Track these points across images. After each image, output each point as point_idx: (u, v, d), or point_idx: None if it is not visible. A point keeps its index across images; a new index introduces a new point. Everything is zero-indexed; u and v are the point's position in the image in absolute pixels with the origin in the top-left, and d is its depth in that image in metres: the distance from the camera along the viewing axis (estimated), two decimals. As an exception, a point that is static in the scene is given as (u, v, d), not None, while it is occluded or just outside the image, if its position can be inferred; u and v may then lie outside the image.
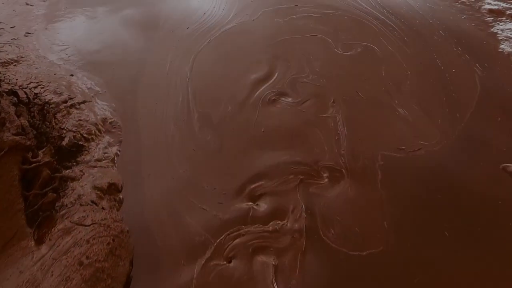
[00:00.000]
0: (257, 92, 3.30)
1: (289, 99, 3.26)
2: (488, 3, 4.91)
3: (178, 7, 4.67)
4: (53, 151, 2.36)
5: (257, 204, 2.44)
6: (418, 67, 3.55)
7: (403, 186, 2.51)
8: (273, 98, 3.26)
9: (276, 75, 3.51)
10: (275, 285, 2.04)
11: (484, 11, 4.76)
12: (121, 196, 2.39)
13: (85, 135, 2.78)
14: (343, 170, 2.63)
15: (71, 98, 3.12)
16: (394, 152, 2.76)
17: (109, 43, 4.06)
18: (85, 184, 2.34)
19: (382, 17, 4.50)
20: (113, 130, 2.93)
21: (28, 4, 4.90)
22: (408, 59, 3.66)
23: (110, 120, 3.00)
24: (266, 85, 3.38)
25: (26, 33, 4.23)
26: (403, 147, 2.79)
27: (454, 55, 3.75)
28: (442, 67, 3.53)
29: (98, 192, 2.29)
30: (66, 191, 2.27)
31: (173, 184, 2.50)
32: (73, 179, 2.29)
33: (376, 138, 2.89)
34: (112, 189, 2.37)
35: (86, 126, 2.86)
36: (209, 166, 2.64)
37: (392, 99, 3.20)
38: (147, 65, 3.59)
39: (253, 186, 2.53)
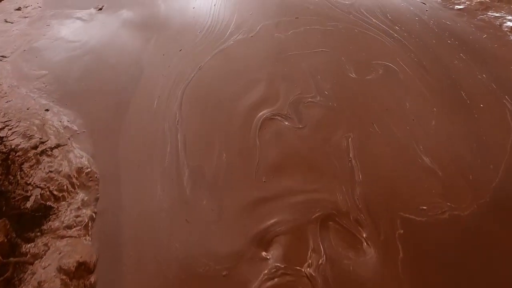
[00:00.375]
0: (253, 125, 2.89)
1: (292, 126, 2.88)
2: (510, 20, 4.47)
3: (173, 24, 4.25)
4: (8, 226, 1.95)
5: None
6: (442, 101, 3.09)
7: (428, 268, 2.05)
8: (273, 131, 2.84)
9: (277, 102, 3.09)
10: None
11: (506, 29, 4.31)
12: (92, 280, 1.97)
13: (55, 192, 2.37)
14: (357, 235, 2.22)
15: (42, 142, 2.71)
16: (414, 214, 2.31)
17: (93, 69, 3.64)
18: (49, 265, 1.93)
19: (396, 35, 4.07)
20: (89, 183, 2.52)
21: (7, 21, 4.47)
22: (431, 90, 3.21)
23: (86, 170, 2.59)
24: (264, 115, 2.96)
25: (1, 56, 3.81)
26: (425, 207, 2.35)
27: (480, 85, 3.31)
28: (468, 102, 3.10)
29: (64, 277, 1.88)
30: (23, 276, 1.86)
31: (161, 272, 2.03)
32: (32, 262, 1.88)
33: (394, 191, 2.46)
34: (81, 270, 1.96)
35: (57, 180, 2.44)
36: (206, 240, 2.17)
37: (417, 143, 2.73)
38: (133, 99, 3.15)
39: (256, 257, 2.11)
